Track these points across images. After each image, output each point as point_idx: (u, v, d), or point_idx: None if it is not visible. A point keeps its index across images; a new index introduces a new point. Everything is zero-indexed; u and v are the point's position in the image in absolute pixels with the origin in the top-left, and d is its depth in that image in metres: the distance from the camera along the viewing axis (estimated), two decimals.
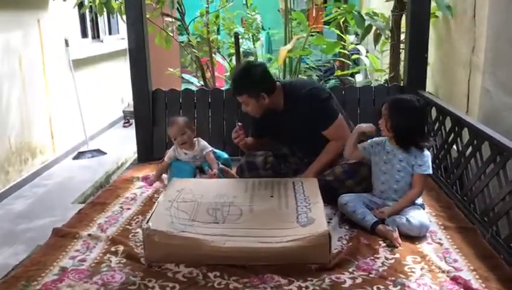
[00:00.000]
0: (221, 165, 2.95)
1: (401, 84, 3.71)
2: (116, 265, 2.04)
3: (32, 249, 2.34)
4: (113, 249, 2.19)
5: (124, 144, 5.47)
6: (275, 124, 2.83)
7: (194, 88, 4.69)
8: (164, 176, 3.10)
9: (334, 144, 2.74)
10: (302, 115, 2.72)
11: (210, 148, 3.00)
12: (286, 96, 2.78)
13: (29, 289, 1.86)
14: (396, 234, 2.18)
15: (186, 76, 6.20)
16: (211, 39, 5.23)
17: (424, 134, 2.39)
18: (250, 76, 2.72)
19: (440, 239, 2.24)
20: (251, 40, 6.17)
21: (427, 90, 3.56)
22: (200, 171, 2.97)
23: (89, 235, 2.32)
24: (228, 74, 5.69)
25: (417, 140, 2.35)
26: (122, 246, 2.20)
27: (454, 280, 1.88)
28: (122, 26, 7.02)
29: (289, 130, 2.82)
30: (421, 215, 2.30)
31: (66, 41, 5.47)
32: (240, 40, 5.31)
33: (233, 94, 2.80)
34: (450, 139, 2.88)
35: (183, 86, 5.70)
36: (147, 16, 3.98)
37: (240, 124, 2.88)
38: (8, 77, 4.38)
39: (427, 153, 2.39)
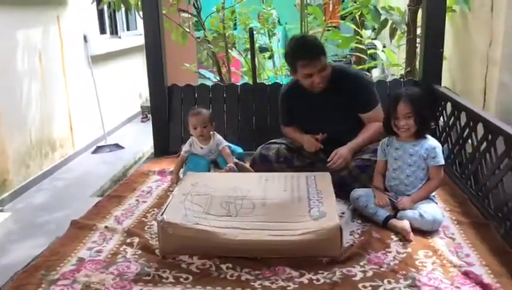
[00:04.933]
0: (235, 160, 2.98)
1: (416, 79, 3.69)
2: (131, 256, 2.09)
3: (52, 241, 2.40)
4: (128, 240, 2.24)
5: (141, 139, 5.55)
6: (307, 107, 2.87)
7: (210, 83, 4.74)
8: None
9: (377, 123, 2.70)
10: (347, 94, 2.76)
11: (225, 143, 3.02)
12: (333, 75, 2.79)
13: (48, 278, 1.92)
14: (409, 228, 2.18)
15: (202, 71, 6.24)
16: (226, 34, 5.25)
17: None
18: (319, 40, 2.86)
19: (453, 234, 2.23)
20: (267, 35, 6.17)
21: (443, 85, 3.53)
22: (214, 165, 3.01)
23: (106, 227, 2.37)
24: (244, 69, 5.71)
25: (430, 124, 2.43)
26: (138, 238, 2.25)
27: (466, 274, 1.88)
28: (140, 22, 7.08)
29: (327, 111, 2.82)
30: (434, 209, 2.30)
31: (85, 37, 5.54)
32: (256, 35, 5.32)
33: (313, 59, 2.66)
34: (465, 134, 2.86)
35: (200, 81, 5.75)
36: (164, 11, 4.03)
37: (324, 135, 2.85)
38: (29, 72, 4.47)
39: (438, 145, 2.38)
